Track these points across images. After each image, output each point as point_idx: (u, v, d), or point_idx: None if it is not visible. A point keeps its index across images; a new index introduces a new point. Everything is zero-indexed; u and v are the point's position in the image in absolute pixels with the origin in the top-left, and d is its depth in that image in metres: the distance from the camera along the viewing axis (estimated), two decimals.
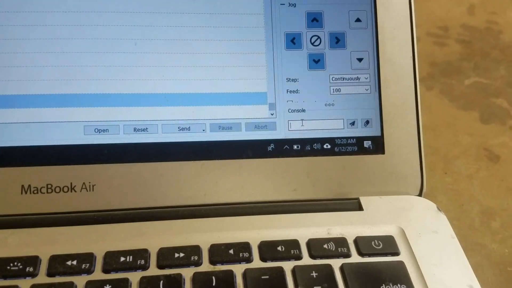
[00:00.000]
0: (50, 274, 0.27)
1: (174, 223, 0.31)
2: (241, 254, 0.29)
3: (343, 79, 0.34)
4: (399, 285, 0.28)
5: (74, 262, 0.27)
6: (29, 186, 0.31)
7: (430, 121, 0.35)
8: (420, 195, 0.33)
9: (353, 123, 0.34)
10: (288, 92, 0.34)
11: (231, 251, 0.29)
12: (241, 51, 0.34)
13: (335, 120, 0.34)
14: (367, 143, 0.34)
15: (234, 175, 0.33)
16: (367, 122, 0.34)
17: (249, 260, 0.29)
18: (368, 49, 0.34)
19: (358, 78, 0.34)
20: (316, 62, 0.34)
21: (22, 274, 0.27)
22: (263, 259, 0.29)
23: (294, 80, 0.34)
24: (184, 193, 0.33)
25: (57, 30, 0.32)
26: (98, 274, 0.27)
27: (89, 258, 0.28)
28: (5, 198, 0.31)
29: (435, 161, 0.38)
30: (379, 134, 0.34)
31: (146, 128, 0.33)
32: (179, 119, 0.33)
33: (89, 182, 0.32)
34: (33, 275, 0.27)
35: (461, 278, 0.28)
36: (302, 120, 0.34)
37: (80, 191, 0.32)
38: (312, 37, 0.34)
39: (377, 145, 0.34)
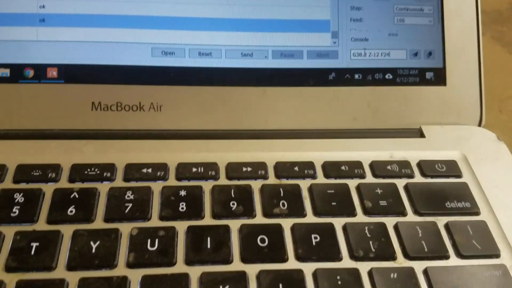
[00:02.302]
0: (126, 179, 0.28)
1: (240, 142, 0.32)
2: (305, 171, 0.30)
3: (407, 10, 0.34)
4: (463, 202, 0.28)
5: (149, 170, 0.29)
6: (99, 103, 0.32)
7: (483, 63, 0.35)
8: (479, 126, 0.34)
9: (416, 54, 0.34)
10: (352, 21, 0.34)
11: (296, 168, 0.30)
12: None
13: (398, 50, 0.34)
14: (429, 75, 0.34)
15: (295, 102, 0.34)
16: (430, 53, 0.34)
17: (313, 177, 0.30)
18: None
19: (421, 9, 0.34)
20: None
21: (99, 179, 0.28)
22: (327, 176, 0.30)
23: (358, 9, 0.34)
24: (247, 117, 0.33)
25: None
26: (172, 181, 0.28)
27: (163, 167, 0.29)
28: (76, 113, 0.32)
29: (490, 100, 0.38)
30: (441, 66, 0.34)
31: (211, 53, 0.33)
32: (242, 45, 0.34)
33: (157, 103, 0.33)
34: (110, 179, 0.28)
35: None
36: (364, 49, 0.34)
37: (148, 110, 0.33)
38: None
39: (439, 77, 0.34)
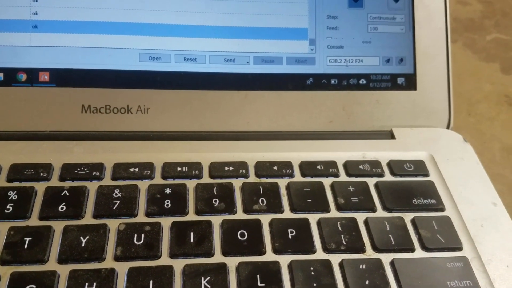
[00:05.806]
0: (114, 178, 0.30)
1: (222, 143, 0.34)
2: (284, 170, 0.32)
3: (380, 18, 0.36)
4: (429, 199, 0.30)
5: (136, 169, 0.30)
6: (89, 106, 0.34)
7: (455, 69, 0.37)
8: (447, 128, 0.36)
9: (388, 61, 0.36)
10: (328, 29, 0.36)
11: (275, 168, 0.32)
12: None
13: (371, 57, 0.36)
14: (400, 80, 0.36)
15: (275, 105, 0.36)
16: (401, 60, 0.36)
17: (291, 175, 0.32)
18: None
19: (394, 18, 0.36)
20: (355, 1, 0.36)
21: (89, 177, 0.30)
22: (303, 175, 0.32)
23: (334, 18, 0.36)
24: (229, 120, 0.35)
25: None
26: (158, 180, 0.30)
27: (149, 166, 0.31)
28: (67, 115, 0.34)
29: (460, 104, 0.41)
30: (412, 71, 0.36)
31: (195, 58, 0.35)
32: (225, 51, 0.36)
33: (144, 105, 0.34)
34: (99, 178, 0.30)
35: (486, 196, 0.31)
36: (340, 56, 0.36)
37: (136, 113, 0.34)
38: None
39: (410, 82, 0.36)
